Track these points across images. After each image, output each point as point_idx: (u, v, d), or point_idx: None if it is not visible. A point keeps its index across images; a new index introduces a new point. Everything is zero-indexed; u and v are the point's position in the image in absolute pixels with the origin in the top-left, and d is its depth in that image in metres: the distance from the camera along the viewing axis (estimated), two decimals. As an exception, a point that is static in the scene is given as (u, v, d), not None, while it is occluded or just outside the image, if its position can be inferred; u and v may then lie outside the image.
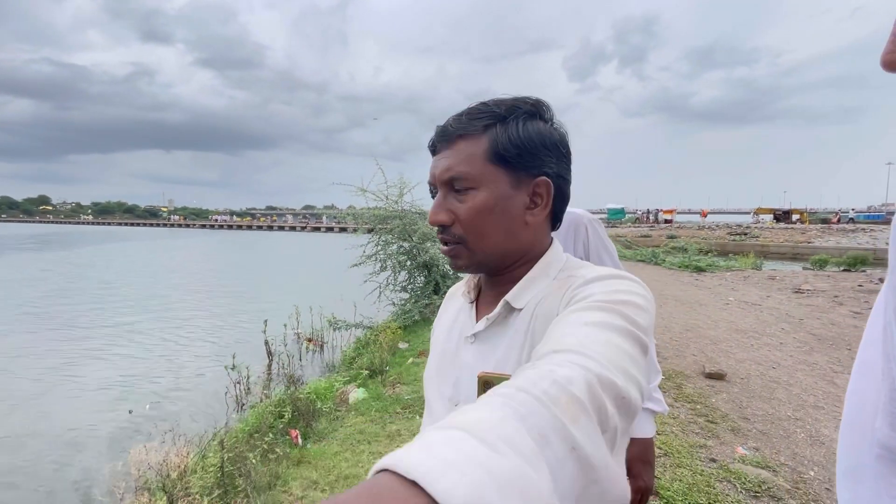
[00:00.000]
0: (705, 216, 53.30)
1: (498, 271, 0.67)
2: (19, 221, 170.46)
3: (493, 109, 0.62)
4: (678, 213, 61.66)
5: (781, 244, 22.22)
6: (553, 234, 0.69)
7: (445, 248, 0.65)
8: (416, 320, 7.82)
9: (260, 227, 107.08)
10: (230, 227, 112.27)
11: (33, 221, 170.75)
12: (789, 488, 2.56)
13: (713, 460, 2.85)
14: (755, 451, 2.99)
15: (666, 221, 46.00)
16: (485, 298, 0.70)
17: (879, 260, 14.50)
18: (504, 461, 0.27)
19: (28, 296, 12.59)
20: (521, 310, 0.62)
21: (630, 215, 53.36)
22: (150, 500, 3.09)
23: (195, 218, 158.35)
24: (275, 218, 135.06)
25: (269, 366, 6.39)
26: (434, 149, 0.66)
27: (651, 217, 49.39)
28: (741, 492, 2.52)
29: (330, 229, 79.04)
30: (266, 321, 6.53)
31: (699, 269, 13.08)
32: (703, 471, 2.71)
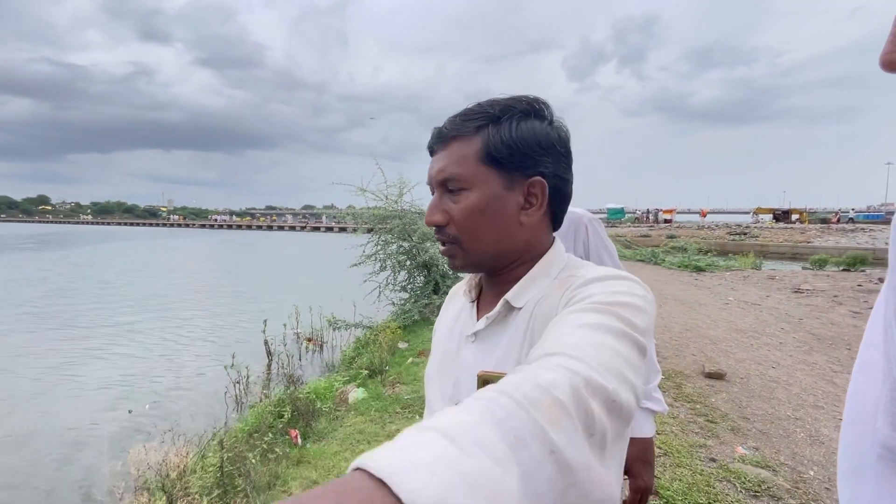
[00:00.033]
0: (704, 216, 53.37)
1: (496, 271, 0.67)
2: (18, 221, 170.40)
3: (487, 110, 0.62)
4: (678, 212, 61.68)
5: (781, 244, 22.24)
6: (554, 233, 0.69)
7: (443, 248, 0.66)
8: (416, 320, 7.82)
9: (259, 227, 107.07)
10: (230, 226, 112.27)
11: (32, 221, 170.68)
12: (789, 488, 2.56)
13: (713, 460, 2.85)
14: (755, 450, 2.99)
15: (665, 221, 46.03)
16: (486, 298, 0.70)
17: (879, 260, 14.52)
18: (474, 463, 0.27)
19: (28, 295, 12.58)
20: (520, 309, 0.62)
21: (629, 215, 53.38)
22: (150, 499, 3.08)
23: (195, 218, 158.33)
24: (274, 218, 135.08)
25: (269, 365, 6.39)
26: (432, 150, 0.67)
27: (651, 217, 49.41)
28: (741, 491, 2.52)
29: (329, 229, 79.05)
30: (265, 321, 6.53)
31: (699, 269, 13.08)
32: (702, 470, 2.71)
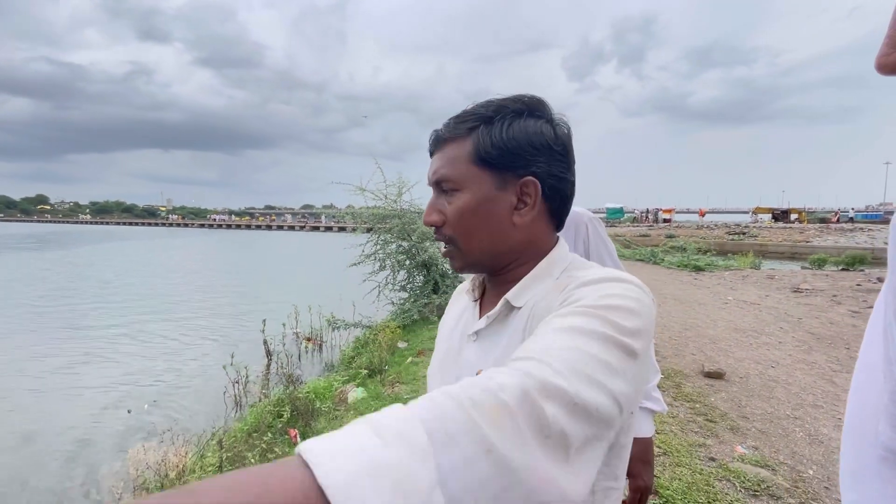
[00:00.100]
0: (703, 215, 53.43)
1: (495, 271, 0.67)
2: (17, 221, 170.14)
3: (480, 111, 0.63)
4: (677, 212, 61.72)
5: (780, 243, 22.24)
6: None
7: (443, 249, 0.67)
8: (415, 319, 7.82)
9: (259, 227, 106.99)
10: (229, 226, 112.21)
11: (31, 221, 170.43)
12: (788, 487, 2.57)
13: (712, 459, 2.85)
14: (754, 449, 2.99)
15: (665, 221, 46.07)
16: (488, 297, 0.70)
17: (878, 259, 14.54)
18: (391, 453, 0.30)
19: (27, 295, 12.57)
20: (521, 308, 0.62)
21: (629, 215, 53.39)
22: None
23: (194, 217, 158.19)
24: (273, 217, 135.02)
25: (268, 365, 6.39)
26: (431, 153, 0.68)
27: (651, 217, 49.44)
28: (740, 490, 2.52)
29: (329, 229, 79.03)
30: (265, 320, 6.53)
31: (698, 269, 13.09)
32: (702, 470, 2.71)
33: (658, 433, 3.11)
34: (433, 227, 0.66)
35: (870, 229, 29.10)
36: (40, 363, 6.81)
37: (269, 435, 3.47)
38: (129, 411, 5.13)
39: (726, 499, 2.44)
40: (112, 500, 3.49)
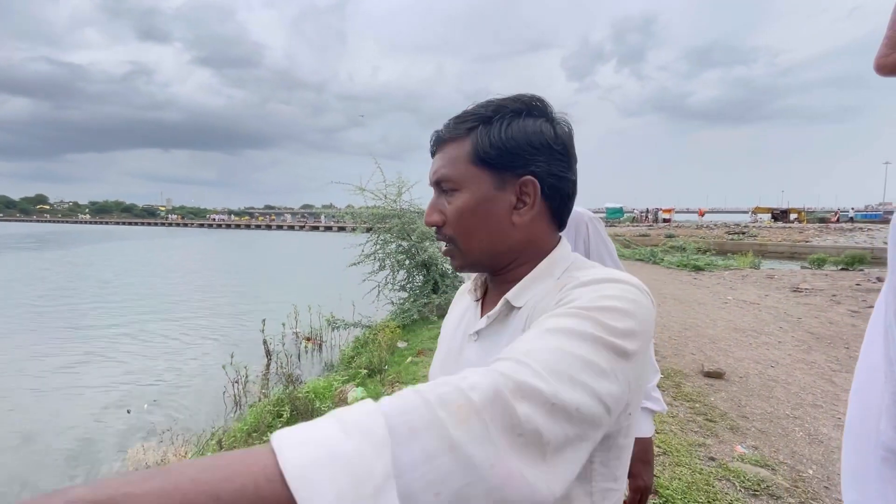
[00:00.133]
0: (702, 215, 53.43)
1: (496, 271, 0.67)
2: (16, 220, 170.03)
3: (480, 111, 0.63)
4: (676, 212, 61.74)
5: (779, 243, 22.26)
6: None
7: (444, 248, 0.67)
8: (415, 319, 7.82)
9: (258, 227, 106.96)
10: (228, 226, 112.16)
11: (30, 221, 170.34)
12: (788, 486, 2.57)
13: (712, 459, 2.86)
14: (754, 449, 2.99)
15: (664, 220, 46.09)
16: (490, 297, 0.70)
17: (877, 259, 14.55)
18: (350, 444, 0.32)
19: (27, 295, 12.56)
20: (520, 308, 0.62)
21: (628, 214, 53.38)
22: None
23: (193, 217, 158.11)
24: (273, 217, 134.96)
25: (268, 365, 6.38)
26: (433, 153, 0.68)
27: (650, 216, 49.45)
28: (740, 490, 2.52)
29: (328, 228, 79.00)
30: (264, 320, 6.52)
31: (697, 269, 13.10)
32: (702, 469, 2.71)
33: (658, 433, 3.11)
34: (434, 227, 0.66)
35: (869, 229, 29.12)
36: (40, 363, 6.81)
37: (269, 435, 3.47)
38: (128, 411, 5.13)
39: (726, 498, 2.44)
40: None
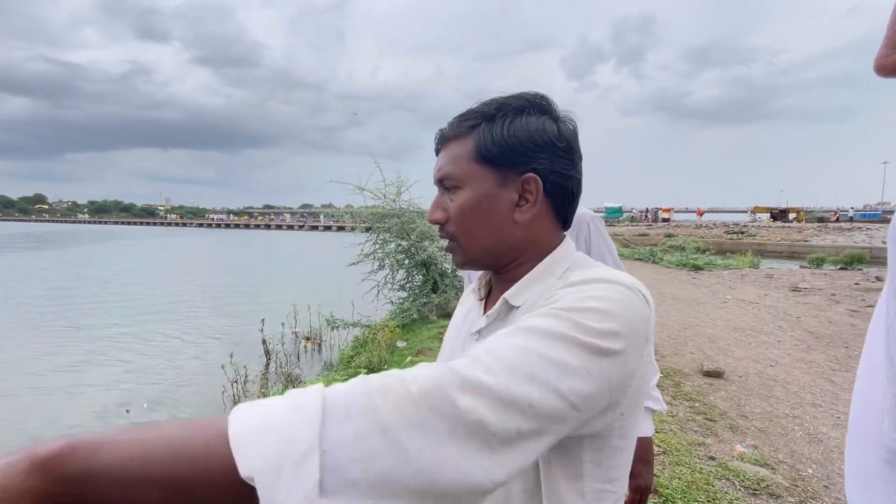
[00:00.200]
0: (701, 214, 53.39)
1: (497, 269, 0.67)
2: (15, 220, 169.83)
3: (483, 109, 0.63)
4: (676, 211, 61.73)
5: (778, 243, 22.27)
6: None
7: (446, 245, 0.68)
8: (414, 319, 7.82)
9: (258, 226, 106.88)
10: (227, 225, 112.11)
11: (29, 220, 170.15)
12: (788, 486, 2.57)
13: (712, 458, 2.86)
14: (753, 448, 2.99)
15: (664, 220, 46.12)
16: (493, 296, 0.70)
17: (876, 258, 14.56)
18: (285, 418, 0.37)
19: (27, 294, 12.55)
20: (519, 307, 0.62)
21: (627, 214, 53.40)
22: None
23: (192, 217, 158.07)
24: (272, 217, 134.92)
25: (267, 365, 6.38)
26: (437, 151, 0.69)
27: (650, 216, 49.47)
28: (740, 489, 2.52)
29: (328, 228, 78.98)
30: (263, 320, 6.52)
31: (697, 268, 13.11)
32: (701, 469, 2.72)
33: (658, 432, 3.12)
34: (437, 225, 0.66)
35: (868, 228, 29.14)
36: (41, 362, 6.80)
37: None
38: (127, 411, 5.12)
39: (726, 497, 2.44)
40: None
